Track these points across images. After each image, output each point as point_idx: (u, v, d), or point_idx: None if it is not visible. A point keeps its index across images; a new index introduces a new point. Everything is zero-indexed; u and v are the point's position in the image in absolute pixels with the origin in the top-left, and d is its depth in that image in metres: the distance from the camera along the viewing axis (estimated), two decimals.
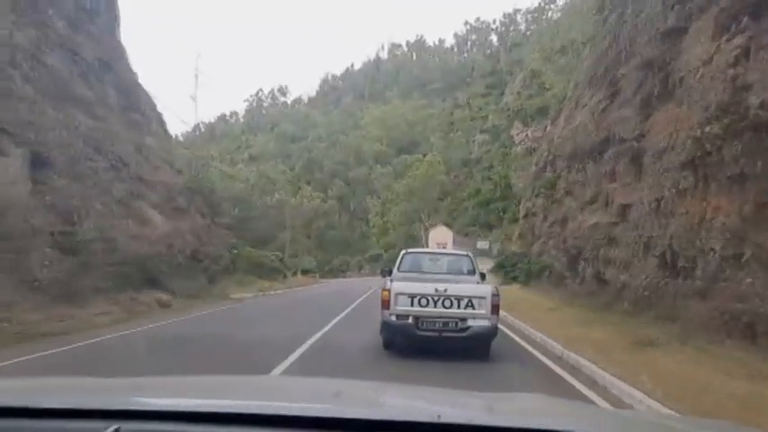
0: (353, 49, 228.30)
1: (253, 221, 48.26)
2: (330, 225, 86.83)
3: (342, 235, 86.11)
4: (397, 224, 68.80)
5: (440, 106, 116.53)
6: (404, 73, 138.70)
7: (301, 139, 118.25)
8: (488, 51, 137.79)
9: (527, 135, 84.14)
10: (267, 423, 1.43)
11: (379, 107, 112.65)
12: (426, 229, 61.50)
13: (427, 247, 62.59)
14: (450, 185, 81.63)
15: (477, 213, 71.18)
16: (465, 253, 12.84)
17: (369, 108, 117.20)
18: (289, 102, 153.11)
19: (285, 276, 40.63)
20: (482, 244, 61.35)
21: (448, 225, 60.45)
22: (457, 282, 10.21)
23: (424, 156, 73.91)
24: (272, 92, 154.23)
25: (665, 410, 6.00)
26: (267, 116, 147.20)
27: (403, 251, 12.35)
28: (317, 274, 63.12)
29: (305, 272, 55.68)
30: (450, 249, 56.01)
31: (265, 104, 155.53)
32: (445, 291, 9.37)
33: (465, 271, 11.44)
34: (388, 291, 9.55)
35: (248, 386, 2.32)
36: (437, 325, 9.34)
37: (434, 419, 1.45)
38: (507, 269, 33.10)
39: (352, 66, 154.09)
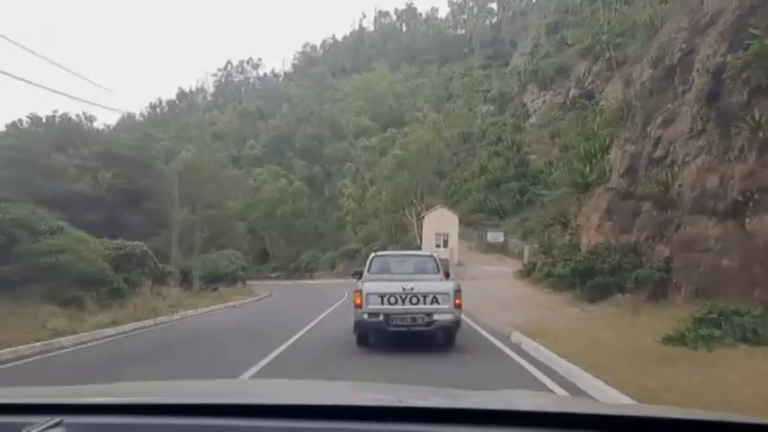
0: (335, 18, 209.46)
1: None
2: (297, 212, 70.01)
3: (312, 224, 69.11)
4: (381, 210, 52.04)
5: (434, 76, 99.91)
6: (392, 43, 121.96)
7: (272, 116, 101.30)
8: (487, 21, 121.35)
9: (545, 101, 68.04)
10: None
11: (362, 76, 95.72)
12: (420, 216, 44.86)
13: (420, 240, 46.55)
14: (448, 164, 65.15)
15: (484, 197, 54.80)
16: (429, 254, 13.75)
17: (351, 78, 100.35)
18: (261, 74, 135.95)
19: (153, 291, 23.30)
20: (494, 236, 44.91)
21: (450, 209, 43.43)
22: (422, 280, 11.11)
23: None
24: (241, 64, 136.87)
25: None
26: (236, 91, 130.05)
27: (372, 254, 13.21)
28: (270, 278, 46.14)
29: (231, 279, 38.00)
30: (452, 244, 39.94)
31: (235, 79, 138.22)
32: (412, 289, 10.36)
33: (430, 270, 12.30)
34: (360, 291, 10.53)
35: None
36: (406, 320, 10.34)
37: (395, 404, 1.60)
38: (594, 277, 16.20)
39: (334, 37, 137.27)
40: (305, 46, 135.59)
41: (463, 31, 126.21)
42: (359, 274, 12.20)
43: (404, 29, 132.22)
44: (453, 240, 38.68)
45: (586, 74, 60.85)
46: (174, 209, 27.16)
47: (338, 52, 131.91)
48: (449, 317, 10.32)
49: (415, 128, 59.34)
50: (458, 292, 10.55)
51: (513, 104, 71.67)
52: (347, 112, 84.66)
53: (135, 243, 20.94)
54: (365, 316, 10.38)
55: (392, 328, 10.32)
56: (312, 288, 40.64)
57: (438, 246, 38.76)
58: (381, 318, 10.29)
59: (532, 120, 66.24)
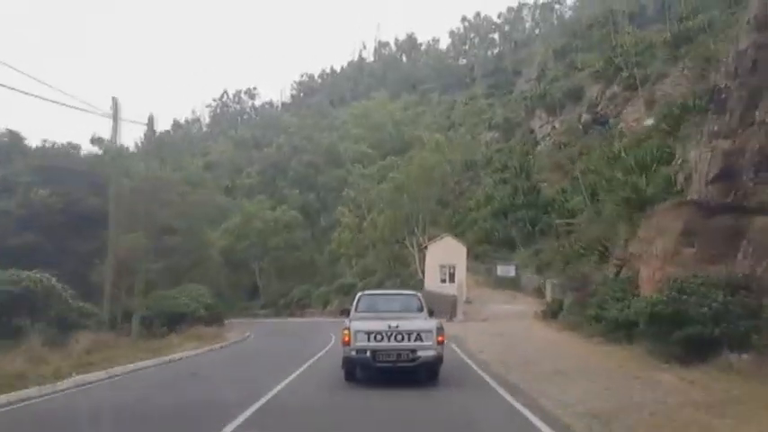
0: (334, 49, 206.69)
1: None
2: (291, 244, 65.41)
3: (305, 257, 64.46)
4: (378, 240, 47.48)
5: (434, 105, 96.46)
6: (392, 73, 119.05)
7: (267, 145, 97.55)
8: (489, 52, 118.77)
9: (554, 127, 64.07)
10: None
11: (361, 104, 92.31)
12: (422, 247, 40.34)
13: (422, 274, 41.93)
14: (451, 193, 60.86)
15: (491, 227, 50.33)
16: (413, 293, 14.31)
17: (350, 107, 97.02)
18: (258, 105, 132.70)
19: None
20: (505, 269, 40.22)
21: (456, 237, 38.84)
22: (407, 318, 11.72)
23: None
24: (238, 94, 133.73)
25: None
26: (232, 121, 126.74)
27: (359, 293, 13.78)
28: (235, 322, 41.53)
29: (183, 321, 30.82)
30: (459, 278, 35.26)
31: (231, 109, 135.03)
32: (397, 327, 10.91)
33: (414, 308, 12.79)
34: (348, 329, 11.04)
35: None
36: (392, 357, 10.86)
37: None
38: (686, 326, 11.23)
39: (332, 68, 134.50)
40: (303, 76, 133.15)
41: (464, 60, 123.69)
42: (347, 312, 13.16)
43: (404, 59, 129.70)
44: (461, 274, 34.10)
45: (599, 98, 57.10)
46: (114, 232, 21.66)
47: (337, 82, 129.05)
48: (432, 353, 10.91)
49: (417, 151, 55.10)
50: (440, 329, 11.26)
51: (519, 131, 67.72)
52: (345, 139, 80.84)
53: (37, 275, 16.11)
54: (353, 353, 10.96)
55: (379, 364, 10.90)
56: (300, 328, 35.82)
57: (443, 280, 34.17)
58: (368, 354, 10.85)
59: (541, 146, 62.18)
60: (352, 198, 62.80)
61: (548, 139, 62.32)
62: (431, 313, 13.08)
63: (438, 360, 11.07)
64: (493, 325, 25.50)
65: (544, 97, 64.02)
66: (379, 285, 51.68)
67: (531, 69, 78.30)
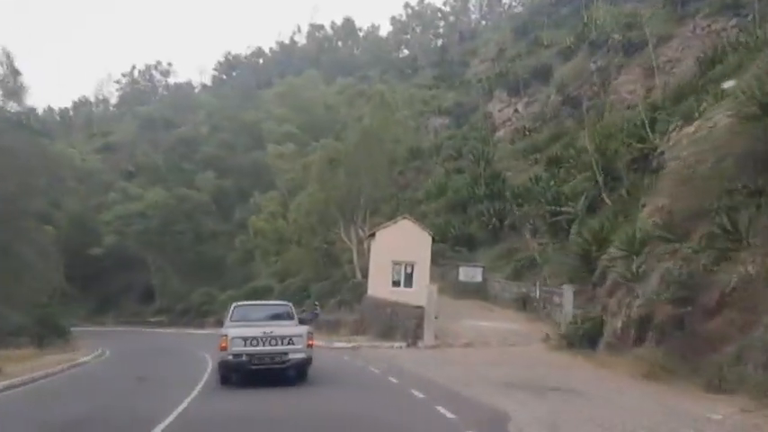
0: (265, 31, 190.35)
1: None
2: (197, 235, 53.31)
3: (213, 253, 52.51)
4: (305, 230, 36.57)
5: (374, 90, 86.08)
6: (327, 57, 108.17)
7: (181, 125, 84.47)
8: (434, 43, 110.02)
9: (517, 110, 55.17)
10: None
11: (287, 81, 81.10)
12: (364, 238, 29.87)
13: (360, 274, 31.46)
14: (394, 186, 50.49)
15: (445, 222, 40.39)
16: (285, 303, 15.47)
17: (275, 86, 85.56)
18: (173, 84, 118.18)
19: None
20: (469, 273, 30.16)
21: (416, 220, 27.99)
22: (279, 325, 12.74)
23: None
24: (148, 70, 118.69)
25: None
26: (143, 100, 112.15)
27: (233, 304, 14.91)
28: None
29: None
30: (422, 280, 24.60)
31: (141, 87, 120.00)
32: (271, 332, 12.07)
33: (285, 317, 13.74)
34: (226, 336, 11.90)
35: None
36: (266, 359, 11.93)
37: None
38: None
39: (260, 49, 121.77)
40: (227, 55, 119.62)
41: (407, 51, 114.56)
42: (221, 323, 14.74)
43: (339, 44, 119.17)
44: (423, 274, 23.69)
45: (571, 77, 48.60)
46: None
47: (265, 64, 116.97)
48: (302, 355, 12.15)
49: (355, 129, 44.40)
50: (310, 333, 12.71)
51: (474, 116, 58.42)
52: (269, 119, 69.07)
53: None
54: (230, 357, 11.88)
55: (254, 367, 11.90)
56: (182, 343, 24.87)
57: (397, 283, 23.78)
58: (245, 358, 11.87)
59: (501, 133, 53.09)
60: (272, 183, 51.60)
61: (508, 124, 53.38)
62: (301, 321, 14.03)
63: (307, 361, 12.33)
64: (491, 356, 15.54)
65: (505, 76, 55.13)
66: (303, 290, 41.39)
67: (486, 49, 69.55)
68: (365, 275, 29.48)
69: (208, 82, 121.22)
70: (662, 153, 23.06)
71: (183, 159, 67.39)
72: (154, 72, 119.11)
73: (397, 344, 18.10)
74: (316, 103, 73.10)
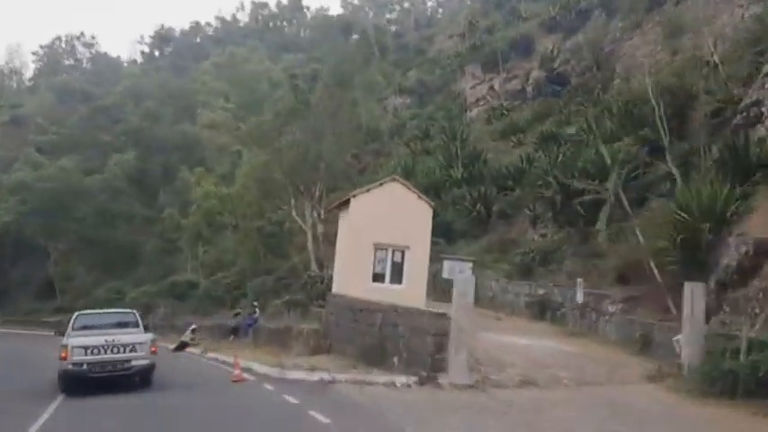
0: (203, 7, 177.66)
1: None
2: (108, 218, 44.20)
3: (127, 240, 43.51)
4: (244, 208, 28.56)
5: (324, 70, 78.25)
6: (272, 35, 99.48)
7: (103, 98, 74.01)
8: (389, 29, 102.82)
9: (492, 87, 48.58)
10: None
11: (225, 52, 72.21)
12: (317, 220, 22.21)
13: (318, 267, 23.72)
14: (348, 170, 42.70)
15: None
16: (130, 311, 15.06)
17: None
18: (98, 57, 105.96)
19: None
20: (455, 267, 22.95)
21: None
22: (123, 333, 12.72)
23: None
24: (70, 41, 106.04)
25: None
26: (64, 72, 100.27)
27: (76, 313, 14.28)
28: None
29: None
30: (417, 273, 16.96)
31: (62, 59, 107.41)
32: (113, 341, 12.04)
33: (130, 324, 13.62)
34: (66, 346, 11.81)
35: None
36: (107, 367, 11.88)
37: None
38: None
39: (198, 23, 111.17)
40: (160, 30, 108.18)
41: (356, 36, 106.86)
42: (61, 332, 14.68)
43: (284, 24, 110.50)
44: (419, 264, 16.09)
45: (555, 51, 42.43)
46: None
47: (203, 42, 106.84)
48: (145, 362, 12.25)
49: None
50: (154, 340, 12.91)
51: (441, 95, 51.56)
52: (203, 92, 60.13)
53: None
54: (70, 366, 11.64)
55: (95, 375, 11.76)
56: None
57: (379, 277, 16.30)
58: (85, 367, 11.70)
59: (474, 112, 46.39)
60: (203, 161, 43.06)
61: (482, 103, 46.71)
62: (146, 328, 13.96)
63: (151, 368, 12.51)
64: (599, 419, 8.07)
65: (479, 49, 48.47)
66: (236, 287, 33.33)
67: (453, 25, 62.92)
68: (322, 267, 21.87)
69: (138, 58, 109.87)
70: (756, 103, 16.73)
71: (101, 132, 57.46)
72: (77, 44, 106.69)
73: (399, 378, 10.55)
74: (259, 78, 64.56)
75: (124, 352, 11.96)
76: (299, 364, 12.96)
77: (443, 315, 10.85)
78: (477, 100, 46.93)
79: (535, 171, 28.28)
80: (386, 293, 15.00)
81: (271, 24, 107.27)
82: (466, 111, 47.05)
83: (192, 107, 57.02)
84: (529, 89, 43.35)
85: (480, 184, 32.66)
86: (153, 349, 12.52)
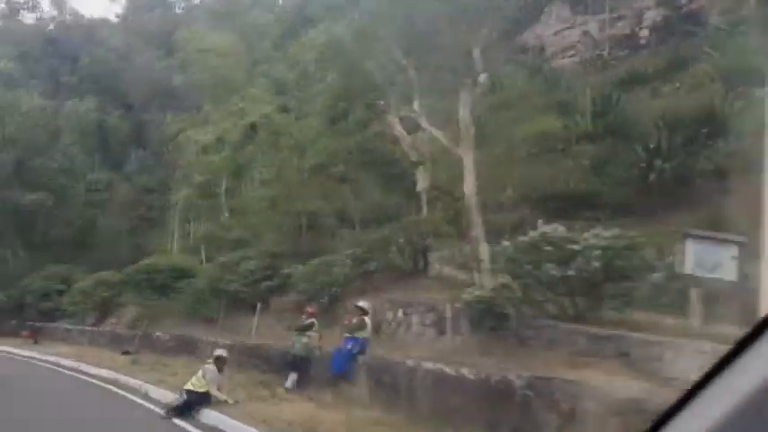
0: None
1: None
2: (59, 174, 31.82)
3: (112, 223, 31.09)
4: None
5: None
6: None
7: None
8: None
9: (588, 31, 37.17)
10: None
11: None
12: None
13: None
14: None
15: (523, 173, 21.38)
16: None
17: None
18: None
19: None
20: (706, 253, 10.63)
21: None
22: None
23: None
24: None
25: None
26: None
27: None
28: None
29: None
30: None
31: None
32: None
33: None
34: None
35: None
36: None
37: None
38: None
39: None
40: None
41: None
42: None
43: None
44: None
45: None
46: None
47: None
48: None
49: None
50: None
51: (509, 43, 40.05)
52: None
53: None
54: None
55: None
56: None
57: None
58: None
59: (557, 64, 35.05)
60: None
61: (571, 53, 35.34)
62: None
63: None
64: None
65: None
66: (267, 276, 20.48)
67: None
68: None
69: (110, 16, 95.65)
70: None
71: (60, 72, 44.68)
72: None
73: None
74: (264, 17, 52.50)
75: None
76: None
77: None
78: (564, 49, 35.65)
79: None
80: None
81: None
82: (545, 63, 35.67)
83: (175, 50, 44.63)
84: (643, 33, 32.31)
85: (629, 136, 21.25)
86: None
